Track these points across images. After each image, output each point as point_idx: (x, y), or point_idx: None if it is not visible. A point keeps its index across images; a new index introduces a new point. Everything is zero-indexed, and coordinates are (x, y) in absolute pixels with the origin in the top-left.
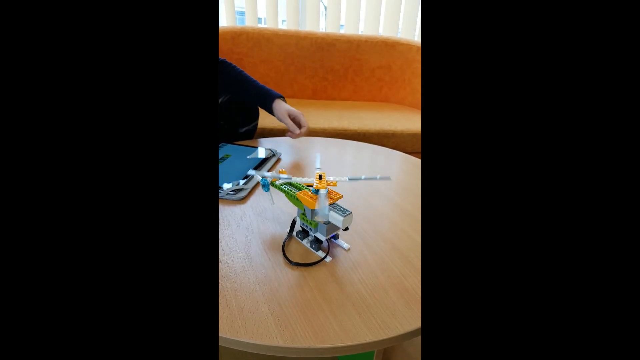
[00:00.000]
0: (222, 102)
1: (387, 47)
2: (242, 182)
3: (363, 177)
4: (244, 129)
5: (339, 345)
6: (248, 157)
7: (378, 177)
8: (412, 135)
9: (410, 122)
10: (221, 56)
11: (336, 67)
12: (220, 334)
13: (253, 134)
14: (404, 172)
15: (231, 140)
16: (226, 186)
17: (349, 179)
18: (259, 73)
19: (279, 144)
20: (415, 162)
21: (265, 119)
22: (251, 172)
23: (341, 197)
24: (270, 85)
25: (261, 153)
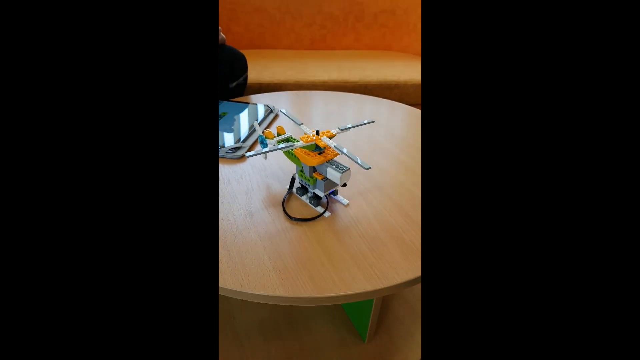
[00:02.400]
0: None
1: None
2: (243, 137)
3: (349, 125)
4: (235, 83)
5: (338, 294)
6: (245, 114)
7: (365, 121)
8: (416, 86)
9: (415, 71)
10: None
11: (335, 12)
12: (225, 287)
13: (244, 88)
14: (406, 125)
15: (224, 98)
16: (226, 144)
17: (341, 129)
18: (253, 23)
19: (277, 100)
20: (419, 115)
21: (261, 73)
22: (256, 126)
23: (337, 154)
24: (266, 36)
25: (259, 109)
